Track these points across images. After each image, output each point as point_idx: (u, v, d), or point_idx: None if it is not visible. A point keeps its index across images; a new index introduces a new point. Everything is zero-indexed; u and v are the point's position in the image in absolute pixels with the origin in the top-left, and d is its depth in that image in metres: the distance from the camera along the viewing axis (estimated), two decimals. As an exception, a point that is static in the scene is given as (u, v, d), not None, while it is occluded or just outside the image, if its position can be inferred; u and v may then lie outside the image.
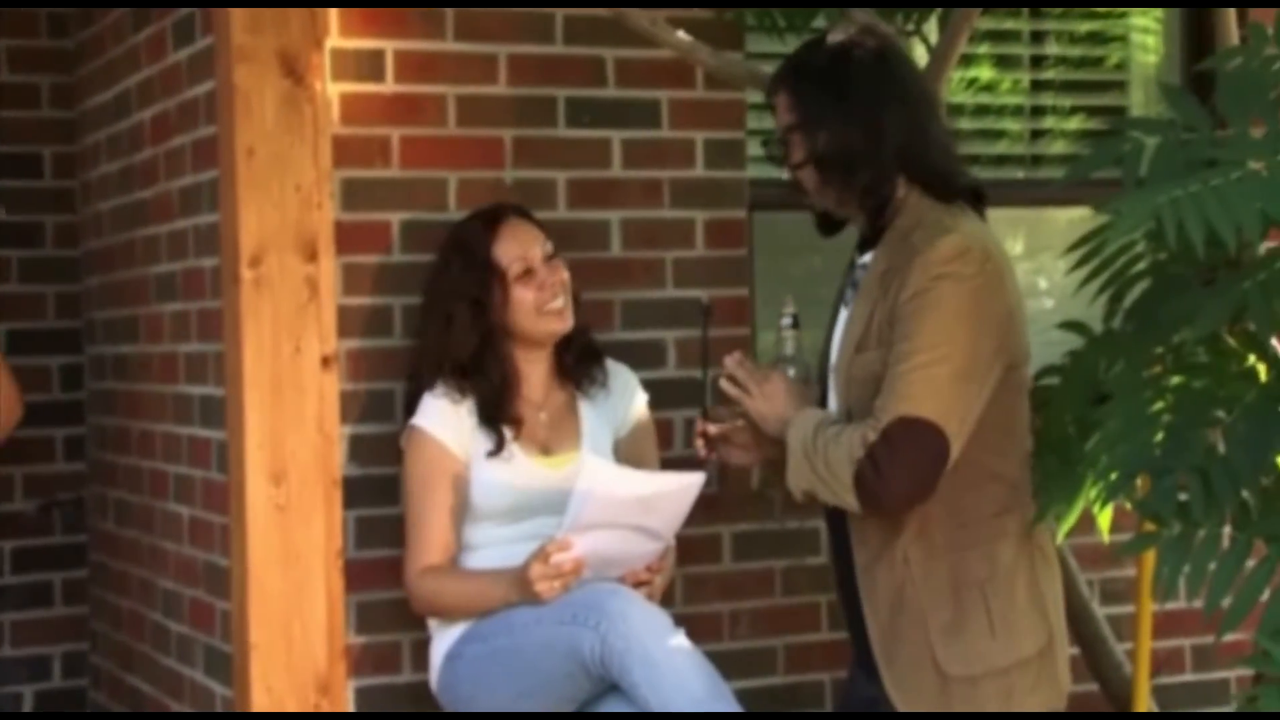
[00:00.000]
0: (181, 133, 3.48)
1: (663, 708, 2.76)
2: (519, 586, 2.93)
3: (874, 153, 2.64)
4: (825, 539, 3.01)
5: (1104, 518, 2.90)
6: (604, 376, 3.21)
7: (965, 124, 3.93)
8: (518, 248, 3.10)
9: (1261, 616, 2.45)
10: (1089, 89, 4.08)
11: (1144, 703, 3.07)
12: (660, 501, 2.94)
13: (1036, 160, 4.05)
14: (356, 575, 3.20)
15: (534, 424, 3.13)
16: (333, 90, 3.22)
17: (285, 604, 3.09)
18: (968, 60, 3.88)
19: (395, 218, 3.29)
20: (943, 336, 2.57)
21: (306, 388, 3.11)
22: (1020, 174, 4.01)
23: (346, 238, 3.22)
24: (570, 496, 2.89)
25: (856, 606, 2.74)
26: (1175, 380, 2.71)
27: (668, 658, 2.79)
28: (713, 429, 2.79)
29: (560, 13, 3.40)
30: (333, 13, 3.22)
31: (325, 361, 3.12)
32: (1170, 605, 3.34)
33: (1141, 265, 2.91)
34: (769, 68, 3.11)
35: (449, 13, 3.33)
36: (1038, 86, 4.03)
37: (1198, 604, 2.49)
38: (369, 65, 3.27)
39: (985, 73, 3.98)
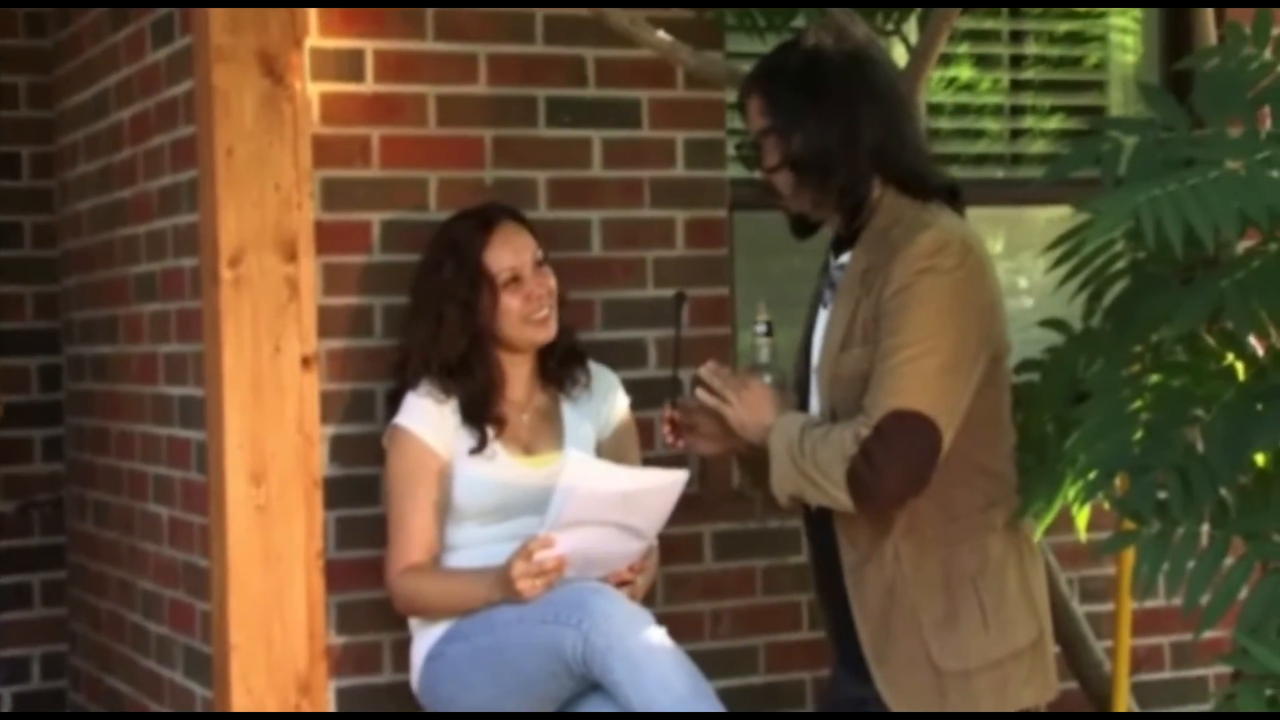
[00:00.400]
0: (160, 132, 3.47)
1: (645, 707, 2.77)
2: (501, 585, 2.93)
3: (850, 154, 2.65)
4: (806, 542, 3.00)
5: (1081, 516, 2.91)
6: (587, 379, 3.21)
7: (945, 123, 3.95)
8: (510, 256, 3.10)
9: (1239, 614, 2.46)
10: (1068, 88, 4.09)
11: (1124, 700, 3.09)
12: (643, 498, 2.95)
13: (1016, 159, 4.06)
14: (337, 575, 3.20)
15: (517, 425, 3.13)
16: (312, 90, 3.22)
17: (265, 604, 3.08)
18: (947, 60, 3.89)
19: (375, 218, 3.29)
20: (929, 330, 2.59)
21: (286, 388, 3.10)
22: (1000, 173, 4.03)
23: (326, 238, 3.22)
24: (553, 493, 2.89)
25: (842, 609, 2.75)
26: (1154, 379, 2.73)
27: (649, 657, 2.80)
28: (679, 416, 2.79)
29: (540, 12, 3.40)
30: (312, 12, 3.22)
31: (305, 362, 3.12)
32: (1149, 603, 3.37)
33: (1120, 264, 2.92)
34: (749, 67, 3.12)
35: (429, 12, 3.33)
36: (1017, 86, 4.04)
37: (1177, 602, 2.50)
38: (349, 65, 3.27)
39: (965, 72, 3.99)
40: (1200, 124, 2.71)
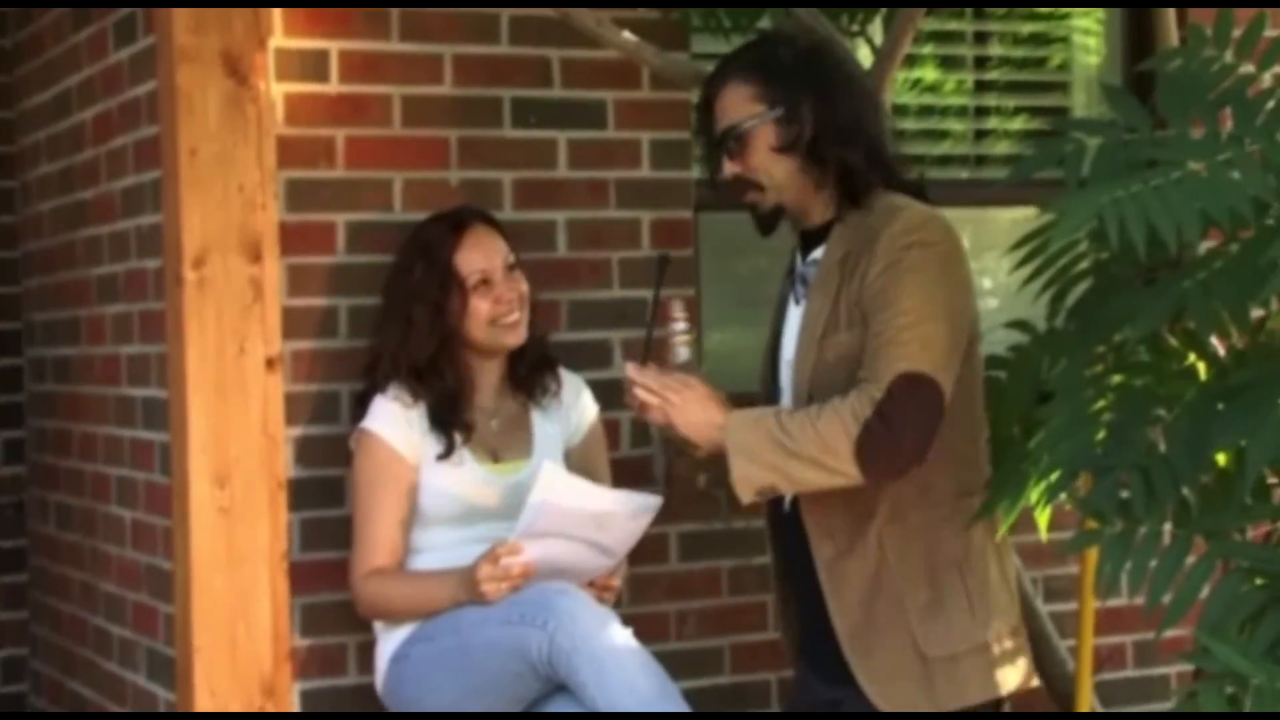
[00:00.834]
0: (123, 133, 3.46)
1: (610, 708, 2.77)
2: (466, 586, 2.93)
3: (856, 138, 2.73)
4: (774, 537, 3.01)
5: (1042, 517, 2.93)
6: (557, 385, 3.21)
7: (910, 124, 3.96)
8: (480, 258, 3.10)
9: (1201, 613, 2.48)
10: (1032, 90, 4.11)
11: (1087, 699, 3.11)
12: (615, 520, 2.96)
13: (980, 160, 4.08)
14: (302, 577, 3.19)
15: (485, 430, 3.13)
16: (277, 90, 3.21)
17: (229, 607, 3.07)
18: (912, 61, 3.90)
19: (340, 218, 3.28)
20: (923, 298, 2.63)
21: (251, 389, 3.09)
22: (964, 174, 4.05)
23: (291, 239, 3.21)
24: (525, 504, 2.89)
25: (811, 610, 2.75)
26: (1116, 379, 2.74)
27: (615, 658, 2.80)
28: (639, 390, 2.73)
29: (505, 13, 3.40)
30: (276, 13, 3.21)
31: (270, 363, 3.11)
32: (1112, 602, 3.39)
33: (1084, 265, 2.94)
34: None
35: (394, 13, 3.32)
36: (982, 87, 4.06)
37: (1139, 600, 2.52)
38: (313, 65, 3.26)
39: (930, 73, 4.00)
40: (1162, 125, 2.73)
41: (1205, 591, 2.51)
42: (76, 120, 3.73)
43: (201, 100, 3.07)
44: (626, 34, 3.21)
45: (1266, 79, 2.70)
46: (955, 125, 4.03)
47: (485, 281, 3.10)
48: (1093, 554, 2.91)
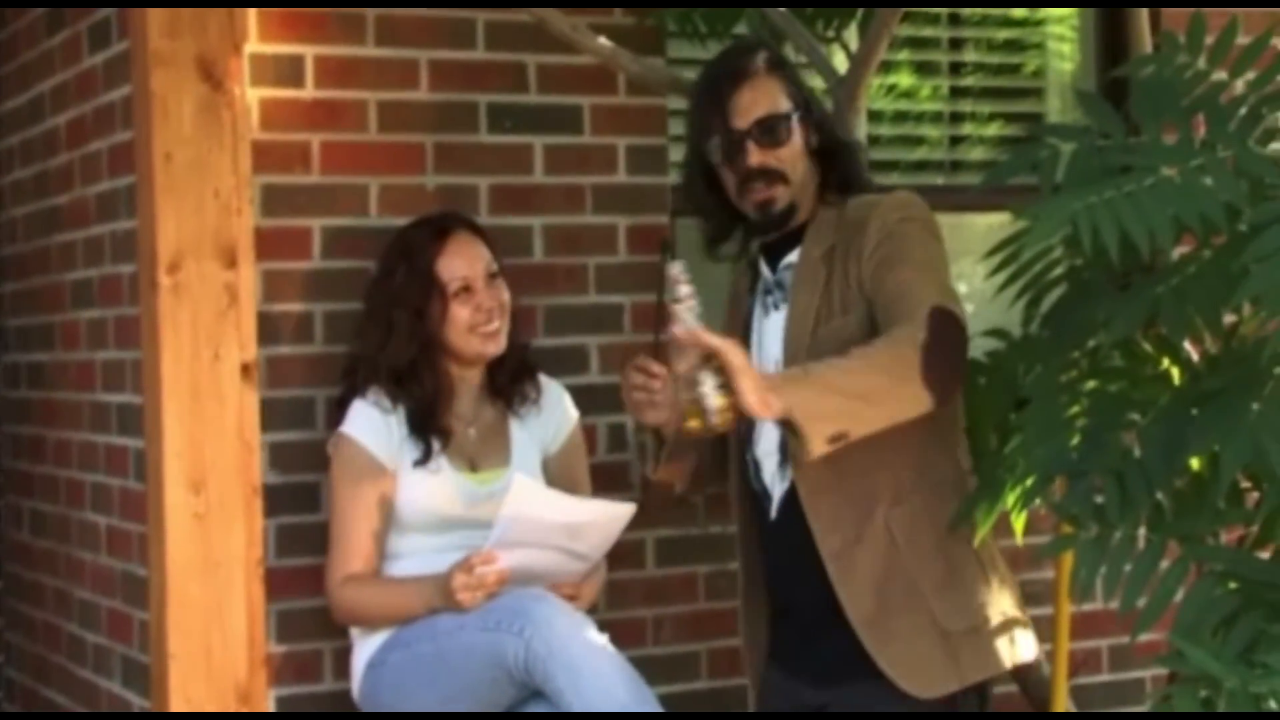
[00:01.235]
0: (98, 138, 3.45)
1: (587, 713, 2.77)
2: (441, 593, 2.93)
3: (843, 144, 2.86)
4: (759, 545, 3.01)
5: (1018, 521, 2.94)
6: (536, 394, 3.21)
7: (885, 130, 3.97)
8: (462, 265, 3.10)
9: (1175, 616, 2.49)
10: (1007, 95, 4.13)
11: (1062, 703, 3.11)
12: (587, 529, 2.96)
13: (956, 166, 4.09)
14: (277, 583, 3.18)
15: (463, 439, 3.13)
16: (252, 95, 3.20)
17: (205, 613, 3.06)
18: (887, 67, 3.91)
19: (316, 224, 3.28)
20: (928, 256, 2.72)
21: (226, 395, 3.09)
22: (940, 179, 4.06)
23: (266, 244, 3.20)
24: (497, 517, 2.89)
25: (813, 607, 2.76)
26: (1091, 384, 2.76)
27: (591, 663, 2.80)
28: (653, 371, 2.69)
29: (481, 18, 3.40)
30: (251, 17, 3.20)
31: (245, 369, 3.11)
32: (1087, 606, 3.39)
33: (1058, 270, 2.95)
34: (690, 73, 3.13)
35: (369, 17, 3.32)
36: (957, 93, 4.07)
37: (1114, 605, 2.53)
38: (288, 70, 3.26)
39: (905, 79, 4.01)
40: (1136, 131, 2.74)
41: (1179, 595, 2.52)
42: (50, 125, 3.72)
43: (176, 105, 3.06)
44: (602, 39, 3.21)
45: (1239, 85, 2.71)
46: (930, 131, 4.04)
47: (466, 289, 3.10)
48: (1068, 558, 2.92)
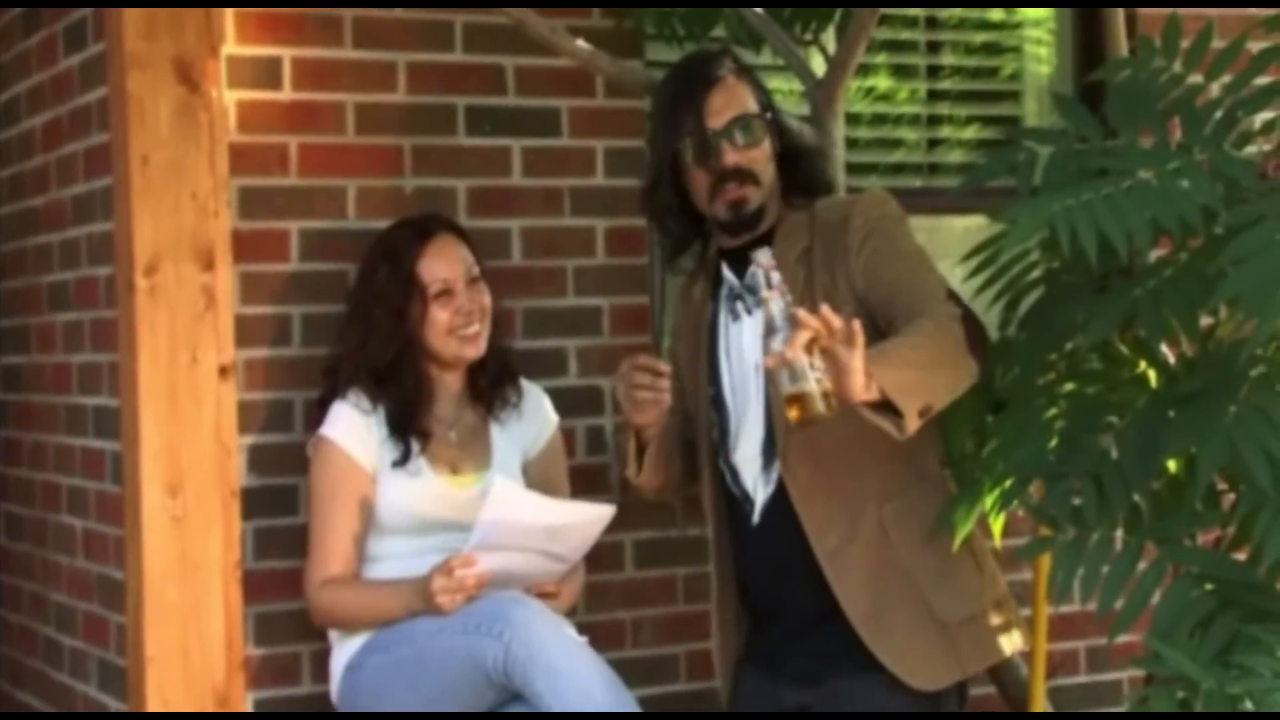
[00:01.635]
0: (74, 140, 3.43)
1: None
2: (420, 596, 2.92)
3: (812, 148, 2.91)
4: (737, 551, 3.02)
5: (996, 523, 2.95)
6: (517, 398, 3.21)
7: (863, 132, 3.97)
8: (443, 267, 3.09)
9: (1152, 618, 2.50)
10: (984, 99, 4.14)
11: (1040, 704, 3.12)
12: (567, 531, 2.96)
13: (933, 169, 4.10)
14: (255, 586, 3.17)
15: (443, 441, 3.12)
16: (229, 97, 3.19)
17: (182, 616, 3.06)
18: (865, 70, 3.92)
19: (293, 226, 3.27)
20: (918, 246, 2.79)
21: (203, 398, 3.08)
22: (918, 182, 4.06)
23: (244, 246, 3.19)
24: (477, 521, 2.89)
25: (805, 607, 2.77)
26: (1068, 387, 2.77)
27: (570, 667, 2.80)
28: (660, 370, 2.72)
29: (459, 20, 3.40)
30: (229, 19, 3.20)
31: (223, 371, 3.10)
32: (1065, 608, 3.41)
33: (1036, 273, 2.96)
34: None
35: (347, 20, 3.31)
36: (934, 96, 4.08)
37: (1091, 606, 2.54)
38: (266, 72, 3.25)
39: (883, 82, 4.02)
40: (1113, 134, 2.75)
41: (1156, 597, 2.53)
42: (26, 127, 3.70)
43: (153, 107, 3.05)
44: (580, 42, 3.21)
45: (1214, 89, 2.72)
46: (908, 134, 4.05)
47: (447, 291, 3.10)
48: (1046, 560, 2.93)
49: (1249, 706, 2.32)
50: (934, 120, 4.09)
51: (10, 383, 3.87)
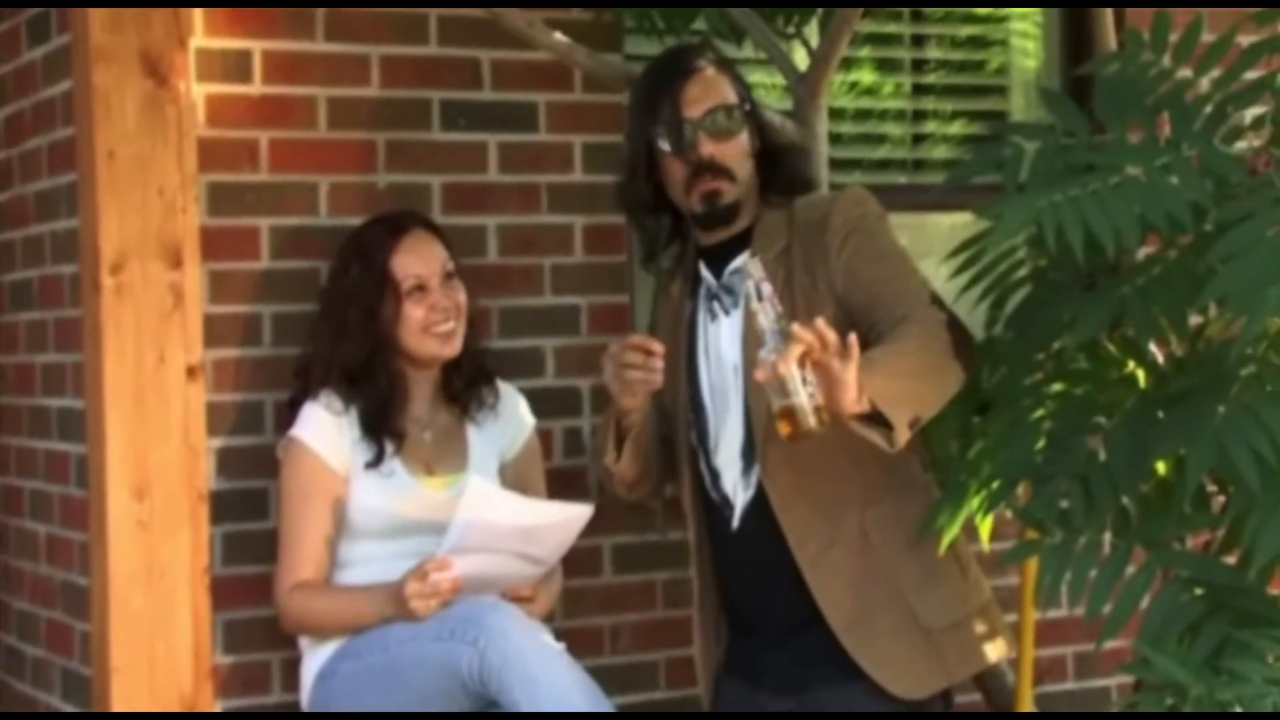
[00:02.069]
0: (37, 134, 3.43)
1: (543, 725, 2.77)
2: (394, 602, 2.92)
3: (793, 145, 2.93)
4: (718, 555, 3.03)
5: (984, 526, 2.96)
6: (494, 400, 3.21)
7: (847, 128, 3.99)
8: (417, 264, 3.10)
9: (1141, 623, 2.51)
10: (970, 93, 4.15)
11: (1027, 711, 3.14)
12: (544, 531, 2.96)
13: (918, 165, 4.11)
14: (224, 593, 3.17)
15: (418, 442, 3.12)
16: (197, 91, 3.19)
17: (149, 624, 3.05)
18: (849, 64, 3.93)
19: (264, 223, 3.27)
20: (900, 247, 2.82)
21: (171, 399, 3.08)
22: (902, 178, 4.07)
23: (212, 244, 3.19)
24: (451, 522, 2.89)
25: (786, 613, 2.78)
26: (1056, 387, 2.78)
27: (547, 674, 2.80)
28: (653, 349, 2.72)
29: (434, 13, 3.40)
30: (197, 11, 3.19)
31: (191, 372, 3.10)
32: (1052, 613, 3.42)
33: (1022, 271, 2.98)
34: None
35: (319, 12, 3.31)
36: (919, 91, 4.09)
37: (1079, 612, 2.55)
38: (235, 66, 3.24)
39: (867, 76, 4.03)
40: (1101, 130, 2.77)
41: (1145, 601, 2.55)
42: (-12, 121, 3.69)
43: (119, 101, 3.05)
44: (558, 35, 3.21)
45: (1204, 83, 2.74)
46: (893, 129, 4.06)
47: (420, 288, 3.10)
48: (1032, 565, 2.94)
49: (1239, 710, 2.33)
50: (919, 115, 4.11)
51: (-29, 384, 3.86)
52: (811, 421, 2.46)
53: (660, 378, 2.73)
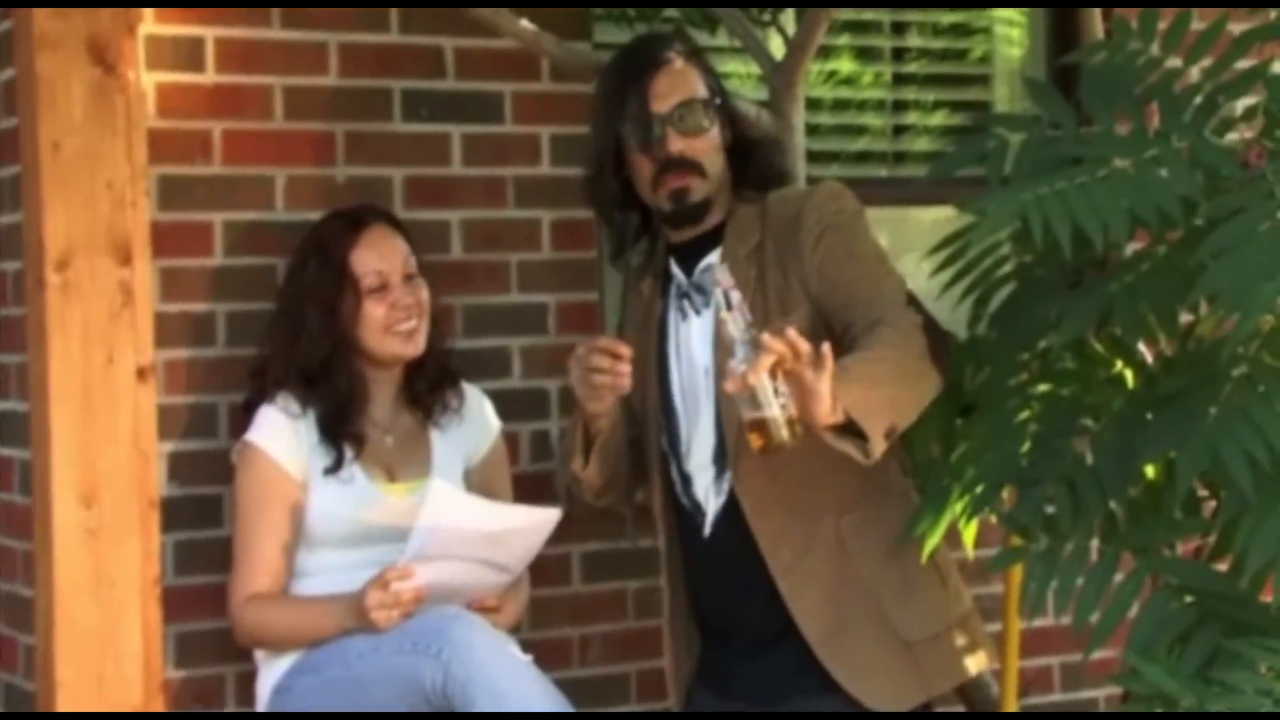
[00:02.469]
0: (-21, 125, 3.40)
1: (509, 740, 2.76)
2: (354, 613, 2.90)
3: (766, 138, 2.93)
4: (689, 563, 3.01)
5: (968, 532, 2.95)
6: (458, 402, 3.19)
7: (825, 119, 3.98)
8: (377, 259, 3.08)
9: (1129, 632, 2.51)
10: (952, 83, 4.15)
11: (1012, 725, 3.13)
12: (510, 537, 2.95)
13: (899, 157, 4.11)
14: (175, 604, 3.15)
15: (379, 446, 3.10)
16: (147, 80, 3.17)
17: (97, 637, 3.03)
18: (826, 52, 3.92)
19: (217, 218, 3.25)
20: (876, 245, 2.81)
21: (120, 402, 3.05)
22: (883, 172, 4.07)
23: (164, 239, 3.17)
24: (413, 528, 2.87)
25: (761, 625, 2.77)
26: (1042, 388, 2.78)
27: (514, 687, 2.79)
28: (620, 352, 2.70)
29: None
30: (147, -5, 3.18)
31: (141, 373, 3.08)
32: (1038, 622, 3.40)
33: (1007, 267, 2.98)
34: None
35: (275, -3, 3.30)
36: (900, 80, 4.09)
37: (1066, 621, 2.54)
38: (187, 54, 3.23)
39: (845, 65, 4.03)
40: (1087, 121, 2.76)
41: (1134, 610, 2.54)
42: (-71, 111, 3.66)
43: (65, 90, 3.03)
44: (524, 22, 3.20)
45: (1194, 73, 2.73)
46: (873, 120, 4.06)
47: (382, 285, 3.08)
48: (1017, 572, 2.93)
49: (1231, 724, 2.33)
50: (899, 106, 4.10)
51: (-88, 386, 3.82)
52: (784, 434, 2.45)
53: (628, 382, 2.71)
